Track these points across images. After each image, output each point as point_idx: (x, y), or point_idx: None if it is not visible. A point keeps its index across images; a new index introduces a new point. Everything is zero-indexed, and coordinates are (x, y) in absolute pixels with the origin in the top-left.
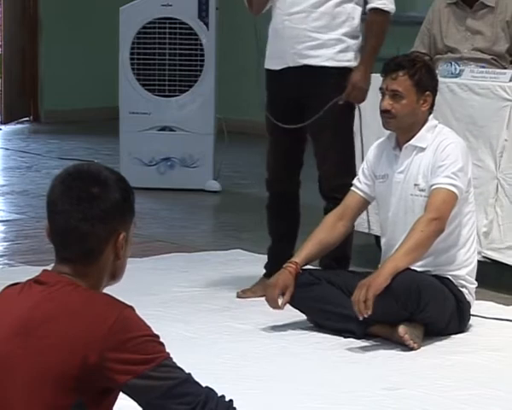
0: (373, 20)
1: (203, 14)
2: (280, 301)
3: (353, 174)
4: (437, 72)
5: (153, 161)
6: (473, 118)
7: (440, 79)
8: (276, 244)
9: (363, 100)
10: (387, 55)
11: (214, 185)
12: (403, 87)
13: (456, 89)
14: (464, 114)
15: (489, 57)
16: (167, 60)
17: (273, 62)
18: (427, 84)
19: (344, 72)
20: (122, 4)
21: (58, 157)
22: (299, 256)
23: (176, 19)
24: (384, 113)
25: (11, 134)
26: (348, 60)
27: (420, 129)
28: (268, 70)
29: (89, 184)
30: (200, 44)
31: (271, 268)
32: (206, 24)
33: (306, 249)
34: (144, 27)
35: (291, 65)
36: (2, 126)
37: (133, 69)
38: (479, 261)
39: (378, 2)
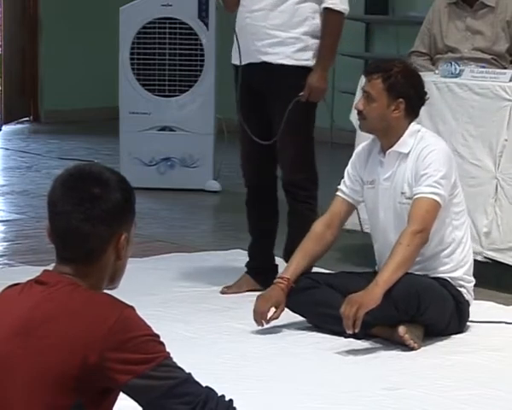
0: (325, 20)
1: (203, 14)
2: (269, 316)
3: (308, 171)
4: (437, 72)
5: (153, 161)
6: (472, 118)
7: (440, 79)
8: (254, 241)
9: (321, 99)
10: (388, 55)
11: (214, 185)
12: (375, 90)
13: (456, 89)
14: (464, 113)
15: (489, 57)
16: (167, 60)
17: (237, 58)
18: (400, 91)
19: (302, 71)
20: (122, 4)
21: (58, 157)
22: (289, 271)
23: (176, 19)
24: (357, 113)
25: (11, 134)
26: (306, 59)
27: (402, 135)
28: (234, 65)
29: (90, 184)
30: (200, 44)
31: (252, 265)
32: (206, 24)
33: (296, 263)
34: (144, 27)
35: (252, 61)
36: (3, 126)
37: (133, 69)
38: (479, 262)
39: (329, 1)
